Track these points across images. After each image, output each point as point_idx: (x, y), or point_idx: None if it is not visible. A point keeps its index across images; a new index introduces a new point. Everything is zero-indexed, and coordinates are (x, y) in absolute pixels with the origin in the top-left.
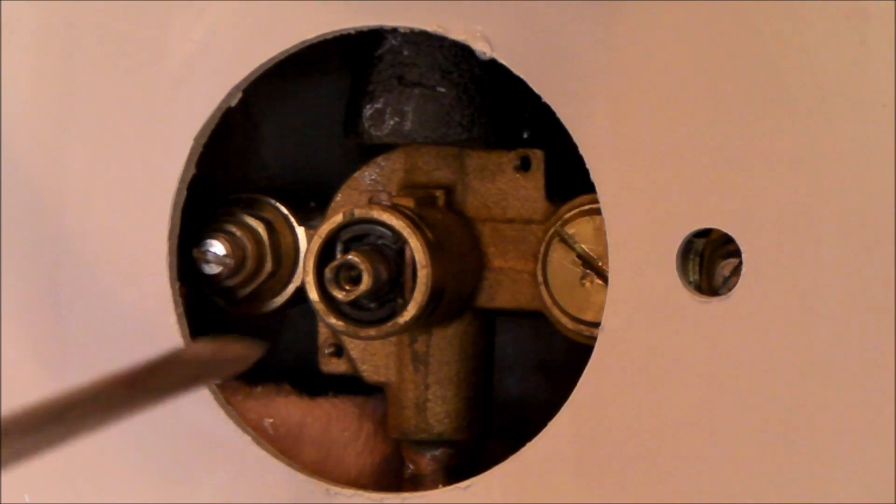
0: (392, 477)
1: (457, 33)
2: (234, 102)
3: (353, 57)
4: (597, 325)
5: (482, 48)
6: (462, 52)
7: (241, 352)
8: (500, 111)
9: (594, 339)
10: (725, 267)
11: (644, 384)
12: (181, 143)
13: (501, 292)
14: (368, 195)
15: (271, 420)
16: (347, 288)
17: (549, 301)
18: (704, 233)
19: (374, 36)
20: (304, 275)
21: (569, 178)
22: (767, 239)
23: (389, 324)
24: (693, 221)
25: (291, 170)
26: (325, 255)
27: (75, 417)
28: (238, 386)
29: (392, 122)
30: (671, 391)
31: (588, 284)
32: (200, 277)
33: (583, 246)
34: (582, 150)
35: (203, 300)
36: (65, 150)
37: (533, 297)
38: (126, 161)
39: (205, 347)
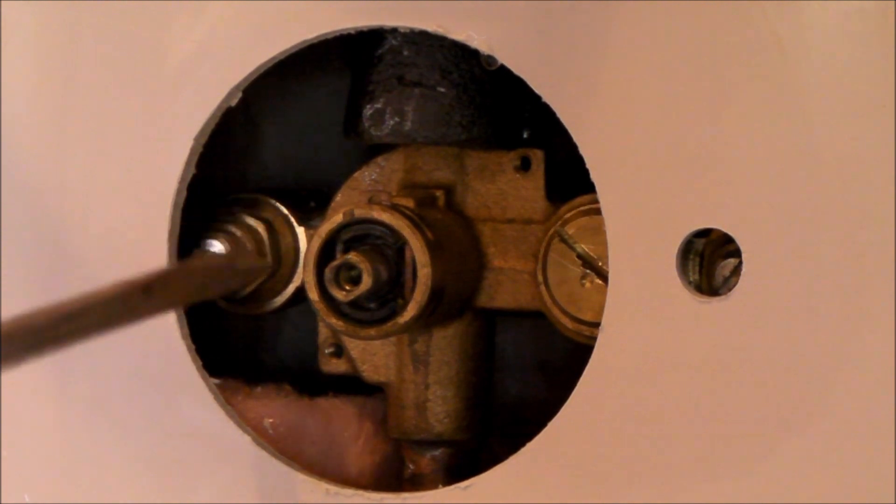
0: (392, 477)
1: (457, 33)
2: (234, 102)
3: (353, 57)
4: (597, 325)
5: (487, 51)
6: (462, 52)
7: (251, 263)
8: (500, 111)
9: (594, 339)
10: (725, 267)
11: (644, 384)
12: (181, 143)
13: (501, 292)
14: (368, 195)
15: (271, 420)
16: (347, 288)
17: (548, 301)
18: (704, 233)
19: (374, 36)
20: (304, 275)
21: (569, 178)
22: (767, 239)
23: (389, 324)
24: (693, 221)
25: (291, 170)
26: (325, 255)
27: (89, 318)
28: (238, 386)
29: (392, 122)
30: (671, 391)
31: (588, 284)
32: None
33: (583, 246)
34: (582, 150)
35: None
36: (65, 150)
37: (533, 297)
38: (126, 161)
39: (216, 257)
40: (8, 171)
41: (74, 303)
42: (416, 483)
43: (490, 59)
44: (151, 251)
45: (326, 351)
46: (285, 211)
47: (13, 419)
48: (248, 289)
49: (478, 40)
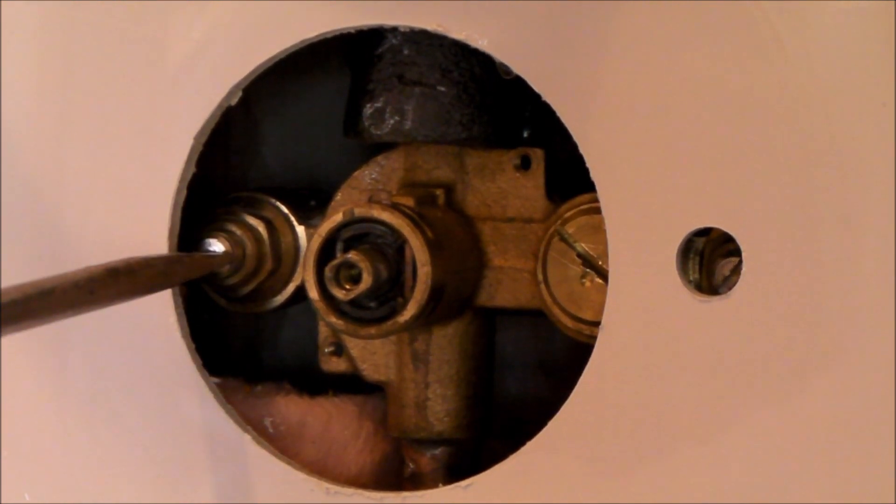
0: (392, 476)
1: (457, 33)
2: (234, 101)
3: (353, 56)
4: (597, 324)
5: (486, 50)
6: (462, 51)
7: (206, 259)
8: (500, 110)
9: (594, 338)
10: (725, 266)
11: (644, 383)
12: (181, 143)
13: (501, 291)
14: (368, 194)
15: (271, 419)
16: (347, 287)
17: (549, 300)
18: (704, 232)
19: (375, 35)
20: (304, 274)
21: (569, 178)
22: (767, 239)
23: (389, 323)
24: (693, 221)
25: (291, 169)
26: (325, 253)
27: (60, 296)
28: (238, 385)
29: (392, 121)
30: (671, 390)
31: (588, 283)
32: (201, 277)
33: (583, 245)
34: (582, 150)
35: (203, 300)
36: (65, 150)
37: (533, 295)
38: (126, 161)
39: (175, 255)
40: (8, 170)
41: (46, 281)
42: (416, 482)
43: (506, 69)
44: (151, 251)
45: (326, 350)
46: (285, 210)
47: (13, 419)
48: (248, 288)
49: (477, 40)
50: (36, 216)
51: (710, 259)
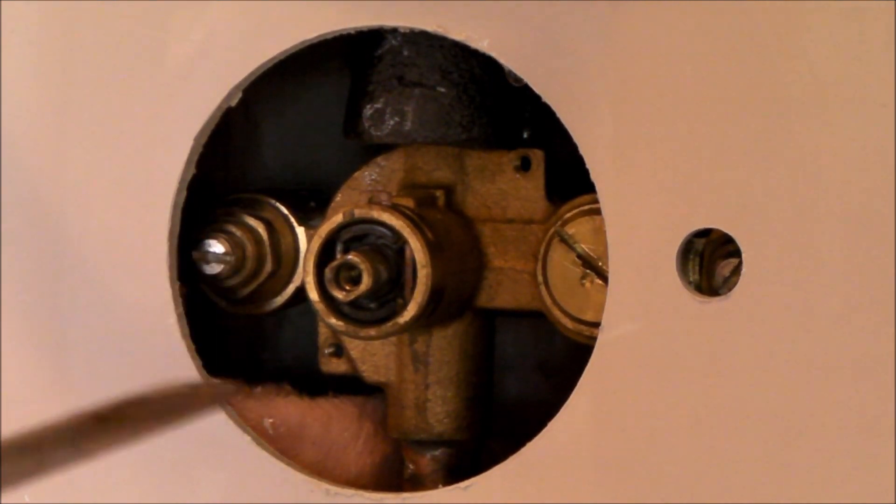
0: (392, 477)
1: (457, 33)
2: (234, 102)
3: (353, 57)
4: (597, 325)
5: (487, 51)
6: (462, 52)
7: (213, 392)
8: (500, 111)
9: (594, 339)
10: (725, 267)
11: (644, 384)
12: (181, 143)
13: (501, 292)
14: (368, 195)
15: (271, 420)
16: (347, 288)
17: (549, 301)
18: (704, 233)
19: (374, 36)
20: (304, 275)
21: (569, 178)
22: (767, 239)
23: (389, 324)
24: (693, 221)
25: (291, 170)
26: (325, 255)
27: (48, 451)
28: (238, 386)
29: (392, 122)
30: (671, 391)
31: (588, 284)
32: (200, 277)
33: (583, 246)
34: (582, 150)
35: (203, 300)
36: (65, 150)
37: (533, 297)
38: (126, 161)
39: (176, 387)
40: (8, 171)
41: (26, 437)
42: (415, 483)
43: (515, 76)
44: (151, 251)
45: (326, 351)
46: (285, 211)
47: (13, 419)
48: (248, 289)
49: (477, 41)
50: (36, 216)
51: (710, 260)
